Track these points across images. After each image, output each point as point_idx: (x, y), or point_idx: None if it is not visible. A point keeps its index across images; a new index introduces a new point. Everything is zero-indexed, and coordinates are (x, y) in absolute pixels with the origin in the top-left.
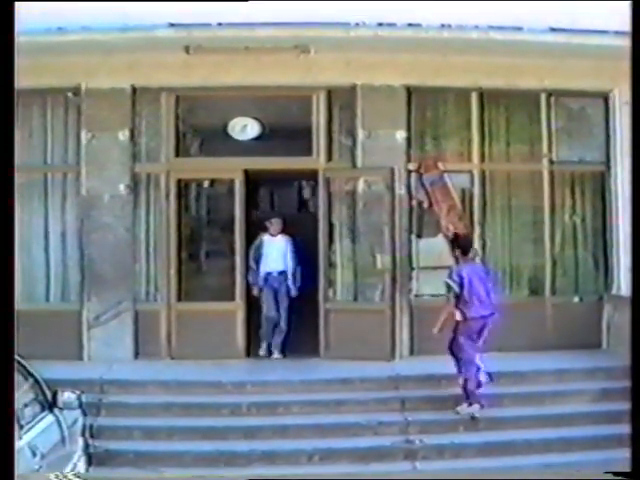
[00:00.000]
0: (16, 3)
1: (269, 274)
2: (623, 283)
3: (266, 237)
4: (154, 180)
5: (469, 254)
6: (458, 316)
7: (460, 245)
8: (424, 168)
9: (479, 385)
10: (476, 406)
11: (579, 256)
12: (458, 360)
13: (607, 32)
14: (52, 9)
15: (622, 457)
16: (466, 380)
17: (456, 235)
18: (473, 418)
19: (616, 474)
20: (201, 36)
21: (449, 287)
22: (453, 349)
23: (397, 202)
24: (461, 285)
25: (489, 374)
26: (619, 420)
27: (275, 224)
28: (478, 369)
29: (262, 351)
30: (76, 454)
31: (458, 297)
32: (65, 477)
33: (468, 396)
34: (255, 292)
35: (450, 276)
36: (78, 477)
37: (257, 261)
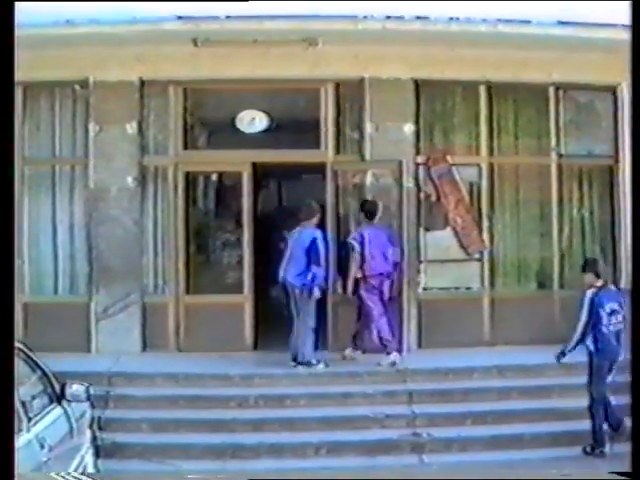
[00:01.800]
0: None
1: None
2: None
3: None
4: (162, 173)
5: (374, 218)
6: (358, 273)
7: (365, 209)
8: (432, 161)
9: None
10: (395, 354)
11: (587, 249)
12: (364, 315)
13: (615, 25)
14: (60, 2)
15: (628, 451)
16: (379, 331)
17: (364, 201)
18: (394, 365)
19: (617, 474)
20: (209, 29)
21: (353, 247)
22: (359, 307)
23: (405, 195)
24: (362, 244)
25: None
26: (626, 414)
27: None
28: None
29: (320, 365)
30: (84, 446)
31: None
32: (65, 476)
33: (385, 346)
34: (318, 295)
35: (352, 237)
36: (80, 477)
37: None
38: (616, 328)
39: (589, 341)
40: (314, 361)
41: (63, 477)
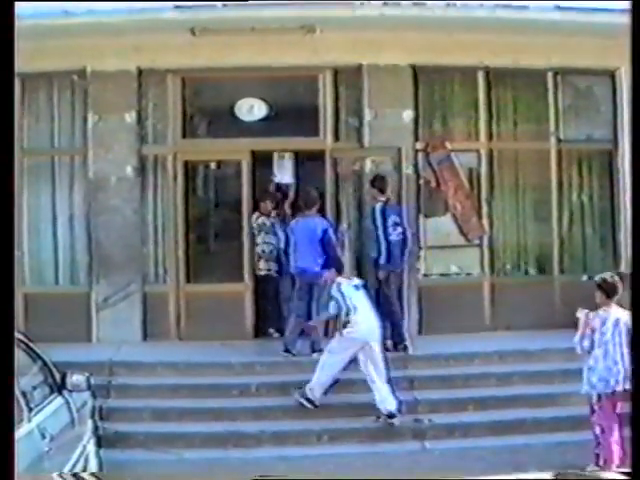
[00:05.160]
0: None
1: None
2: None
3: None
4: (161, 162)
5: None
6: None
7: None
8: (431, 147)
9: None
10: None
11: (587, 234)
12: None
13: (613, 10)
14: (59, 1)
15: (628, 436)
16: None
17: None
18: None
19: (617, 474)
20: (206, 17)
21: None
22: None
23: (404, 182)
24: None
25: None
26: (628, 398)
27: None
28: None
29: None
30: (85, 436)
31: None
32: (67, 477)
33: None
34: None
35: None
36: (91, 477)
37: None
38: (398, 238)
39: (374, 251)
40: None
41: (64, 477)
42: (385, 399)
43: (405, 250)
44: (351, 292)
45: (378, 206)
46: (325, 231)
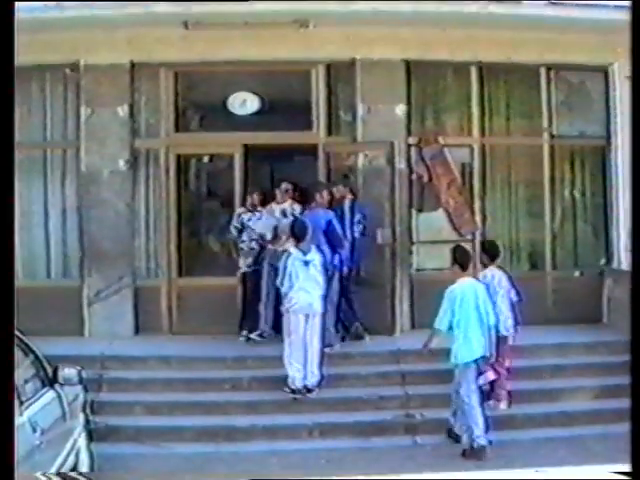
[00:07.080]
0: None
1: None
2: (623, 257)
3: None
4: (154, 155)
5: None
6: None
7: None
8: (424, 142)
9: None
10: None
11: (579, 230)
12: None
13: (607, 6)
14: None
15: (622, 431)
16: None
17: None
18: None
19: (617, 474)
20: (200, 11)
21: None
22: None
23: (397, 176)
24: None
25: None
26: (619, 394)
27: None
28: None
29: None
30: (77, 430)
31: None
32: (68, 477)
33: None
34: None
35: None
36: (79, 476)
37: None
38: (360, 237)
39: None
40: (335, 344)
41: (49, 477)
42: (309, 373)
43: (362, 249)
44: (295, 266)
45: (347, 202)
46: (329, 222)
